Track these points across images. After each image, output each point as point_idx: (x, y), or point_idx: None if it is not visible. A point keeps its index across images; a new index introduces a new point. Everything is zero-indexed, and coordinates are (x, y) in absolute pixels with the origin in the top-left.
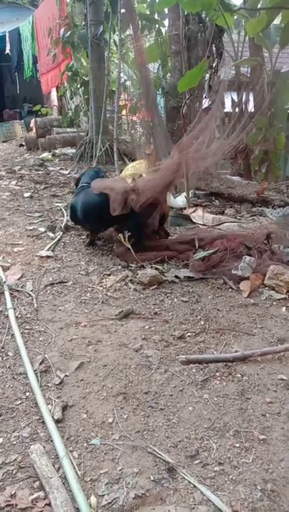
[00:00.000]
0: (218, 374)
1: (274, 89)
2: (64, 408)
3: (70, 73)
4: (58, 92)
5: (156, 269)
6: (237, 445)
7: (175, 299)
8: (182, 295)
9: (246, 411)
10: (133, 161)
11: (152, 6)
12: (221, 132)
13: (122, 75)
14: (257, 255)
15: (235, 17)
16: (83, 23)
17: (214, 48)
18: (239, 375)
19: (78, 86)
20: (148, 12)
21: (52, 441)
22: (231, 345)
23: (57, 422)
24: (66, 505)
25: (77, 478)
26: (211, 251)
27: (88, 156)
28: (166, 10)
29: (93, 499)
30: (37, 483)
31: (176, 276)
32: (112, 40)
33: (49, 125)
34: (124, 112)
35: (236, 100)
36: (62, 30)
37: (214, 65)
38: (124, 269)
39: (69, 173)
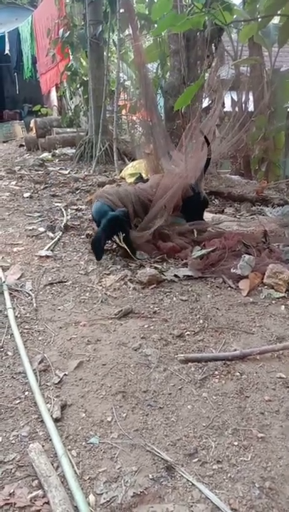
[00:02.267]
0: (217, 372)
1: (273, 88)
2: (63, 407)
3: (69, 73)
4: (57, 92)
5: (156, 268)
6: (235, 443)
7: (174, 298)
8: (181, 294)
9: (245, 409)
10: (133, 160)
11: (151, 6)
12: (220, 131)
13: (121, 74)
14: (255, 254)
15: (235, 16)
16: (82, 23)
17: (213, 47)
18: (238, 374)
19: (78, 86)
20: (147, 12)
21: (51, 440)
22: (230, 344)
23: (56, 420)
24: (65, 503)
25: (75, 476)
26: (210, 249)
27: (88, 155)
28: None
29: (92, 497)
30: (36, 481)
31: (175, 275)
32: (111, 40)
33: (49, 125)
34: (123, 112)
35: (236, 99)
36: (61, 30)
37: (213, 64)
38: (124, 269)
39: (69, 173)
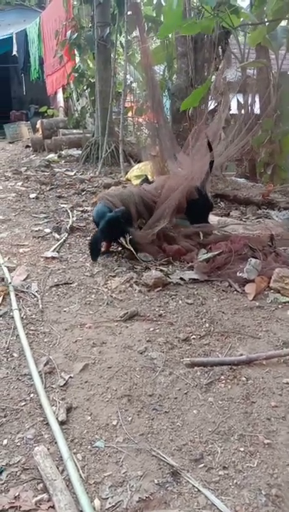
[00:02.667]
0: (222, 377)
1: (280, 91)
2: (68, 410)
3: (76, 75)
4: (64, 94)
5: (161, 270)
6: (242, 449)
7: (180, 301)
8: (187, 297)
9: (251, 415)
10: (139, 162)
11: (158, 8)
12: (226, 134)
13: (128, 76)
14: (262, 257)
15: (242, 19)
16: (90, 25)
17: (220, 50)
18: (244, 379)
19: (84, 88)
20: (154, 14)
21: (56, 443)
22: (236, 349)
23: (61, 423)
24: (70, 507)
25: (81, 480)
26: (216, 252)
27: (94, 157)
28: None
29: (97, 502)
30: (41, 485)
31: (181, 278)
32: (118, 42)
33: (55, 126)
34: (130, 114)
35: (242, 102)
36: (68, 32)
37: (220, 66)
38: (129, 271)
39: (75, 175)
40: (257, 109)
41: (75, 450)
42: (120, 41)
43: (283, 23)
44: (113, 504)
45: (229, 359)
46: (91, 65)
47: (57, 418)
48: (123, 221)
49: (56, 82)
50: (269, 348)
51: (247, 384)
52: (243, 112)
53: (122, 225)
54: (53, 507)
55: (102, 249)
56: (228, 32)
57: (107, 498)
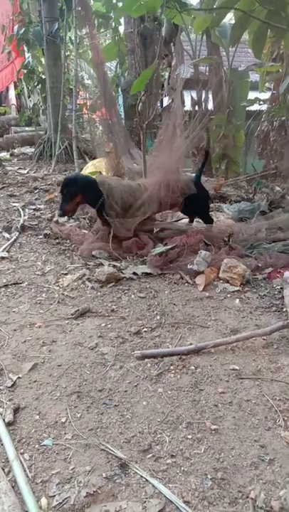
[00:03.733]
0: (172, 367)
1: (231, 87)
2: (16, 410)
3: (25, 71)
4: (15, 91)
5: (114, 266)
6: (189, 437)
7: (132, 296)
8: (139, 291)
9: (199, 402)
10: (94, 159)
11: (108, 4)
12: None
13: (82, 73)
14: (215, 250)
15: (193, 16)
16: (38, 19)
17: (172, 46)
18: (193, 368)
19: (35, 84)
20: (104, 10)
21: (2, 444)
22: (186, 339)
23: (8, 424)
24: (14, 509)
25: (27, 480)
26: (169, 247)
27: (47, 154)
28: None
29: (44, 500)
30: None
31: (134, 273)
32: (68, 38)
33: (7, 124)
34: (84, 111)
35: (196, 98)
36: (16, 26)
37: (173, 63)
38: (82, 268)
39: (27, 173)
40: (210, 105)
41: (22, 450)
42: (70, 37)
43: (233, 20)
44: (60, 501)
45: (179, 349)
46: (43, 61)
47: (3, 419)
48: (99, 189)
49: (5, 78)
50: (217, 337)
51: (195, 372)
52: (197, 108)
53: (96, 192)
54: None
55: (67, 207)
56: (179, 28)
57: (54, 496)
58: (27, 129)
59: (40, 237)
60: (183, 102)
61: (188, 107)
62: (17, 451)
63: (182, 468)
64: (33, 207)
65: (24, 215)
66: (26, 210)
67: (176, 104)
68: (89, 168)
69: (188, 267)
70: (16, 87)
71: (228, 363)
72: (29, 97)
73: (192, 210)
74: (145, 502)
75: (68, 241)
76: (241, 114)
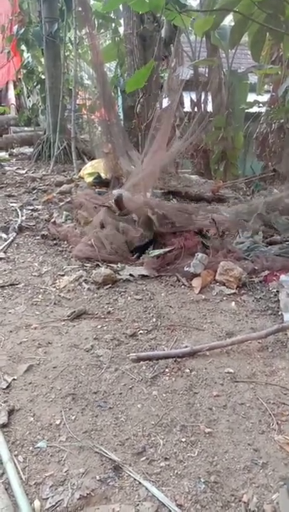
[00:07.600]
0: (167, 370)
1: (231, 89)
2: (10, 412)
3: (24, 71)
4: (15, 90)
5: (111, 268)
6: (183, 440)
7: (129, 298)
8: (136, 293)
9: (193, 405)
10: (92, 160)
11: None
12: (181, 131)
13: (82, 73)
14: (212, 253)
15: (193, 18)
16: (38, 20)
17: (172, 48)
18: (188, 370)
19: (34, 84)
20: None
21: None
22: (182, 341)
23: (2, 426)
24: (7, 511)
25: (20, 482)
26: (167, 249)
27: (46, 155)
28: (120, 8)
29: (37, 503)
30: None
31: (130, 275)
32: (67, 38)
33: (6, 124)
34: (83, 111)
35: (195, 100)
36: (15, 26)
37: (173, 64)
38: (79, 269)
39: (26, 173)
40: (210, 107)
41: (16, 452)
42: (69, 37)
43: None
44: (53, 504)
45: (174, 352)
46: (42, 62)
47: None
48: None
49: (2, 77)
50: (213, 339)
51: (190, 375)
52: (196, 109)
53: None
54: None
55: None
56: (178, 29)
57: (48, 498)
58: (26, 129)
59: (38, 237)
60: (182, 103)
61: (187, 108)
62: (11, 453)
63: (175, 472)
64: (31, 207)
65: (22, 216)
66: (24, 210)
67: (172, 104)
68: (87, 169)
69: (185, 269)
70: (15, 87)
71: (223, 366)
72: (28, 97)
73: None
74: (138, 505)
75: (65, 242)
76: (240, 116)
